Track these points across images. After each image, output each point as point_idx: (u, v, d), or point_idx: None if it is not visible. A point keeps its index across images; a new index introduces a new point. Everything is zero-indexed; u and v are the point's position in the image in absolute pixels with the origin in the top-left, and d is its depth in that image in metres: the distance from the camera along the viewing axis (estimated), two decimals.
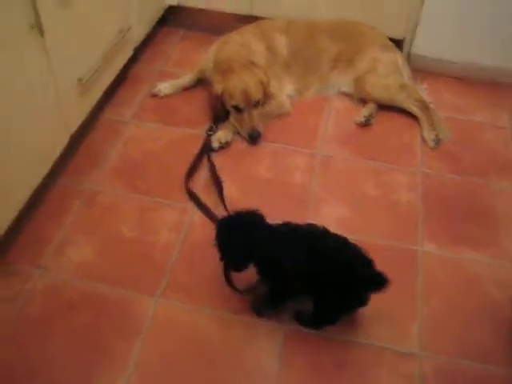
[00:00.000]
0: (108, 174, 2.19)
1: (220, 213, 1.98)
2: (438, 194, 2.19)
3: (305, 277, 1.63)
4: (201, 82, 2.58)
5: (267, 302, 1.79)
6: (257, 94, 2.27)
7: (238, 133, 2.35)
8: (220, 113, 2.37)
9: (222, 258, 1.68)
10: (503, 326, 1.79)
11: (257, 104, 2.29)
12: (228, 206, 1.99)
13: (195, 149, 2.28)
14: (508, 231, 2.08)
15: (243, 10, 2.73)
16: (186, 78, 2.55)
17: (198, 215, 2.06)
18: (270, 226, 1.68)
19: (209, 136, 2.31)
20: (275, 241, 1.63)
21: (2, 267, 1.87)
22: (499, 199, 2.18)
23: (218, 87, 2.29)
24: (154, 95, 2.52)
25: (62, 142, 2.09)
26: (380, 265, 1.77)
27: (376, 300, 1.80)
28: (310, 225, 1.70)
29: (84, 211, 2.06)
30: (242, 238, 1.61)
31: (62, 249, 1.93)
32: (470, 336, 1.77)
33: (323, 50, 2.50)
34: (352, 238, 1.97)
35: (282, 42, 2.47)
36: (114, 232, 2.00)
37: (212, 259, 1.72)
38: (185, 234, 2.00)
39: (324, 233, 1.68)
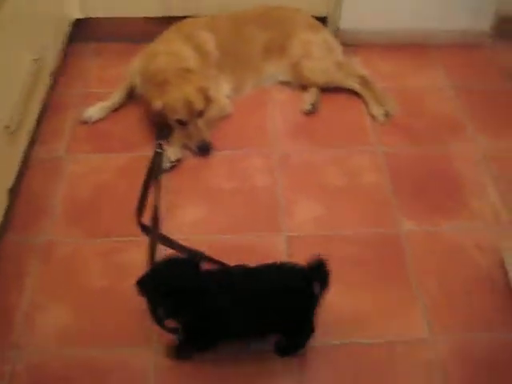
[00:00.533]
0: (59, 222, 1.98)
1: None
2: (400, 169, 2.17)
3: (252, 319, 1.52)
4: (130, 99, 2.40)
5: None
6: (200, 104, 2.12)
7: (186, 147, 2.21)
8: (163, 129, 2.21)
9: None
10: (498, 290, 1.81)
11: (201, 113, 2.15)
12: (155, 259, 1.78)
13: (144, 173, 2.12)
14: (474, 191, 2.11)
15: (156, 12, 2.55)
16: (115, 98, 2.34)
17: None
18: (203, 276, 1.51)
19: (159, 154, 2.14)
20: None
21: None
22: (459, 161, 2.20)
23: (156, 103, 2.11)
24: (85, 122, 2.31)
25: (2, 201, 1.87)
26: (366, 255, 1.81)
27: (373, 295, 1.79)
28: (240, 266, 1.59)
29: (44, 269, 1.85)
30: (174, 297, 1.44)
31: (32, 318, 1.72)
32: (472, 307, 1.77)
33: (252, 41, 2.39)
34: (332, 233, 1.96)
35: (209, 41, 2.32)
36: (83, 285, 1.81)
37: None
38: None
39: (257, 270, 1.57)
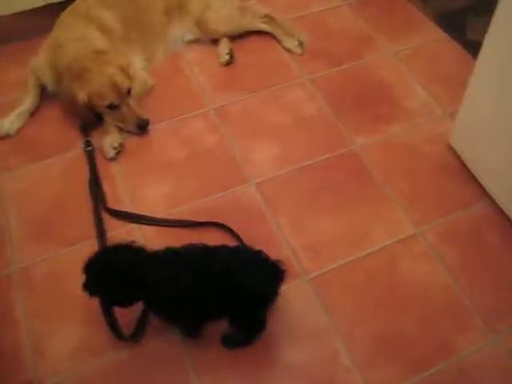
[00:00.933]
0: (23, 244, 1.86)
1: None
2: (332, 91, 2.25)
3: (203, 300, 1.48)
4: (42, 97, 2.24)
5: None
6: (126, 82, 2.04)
7: (122, 130, 2.12)
8: (90, 121, 2.11)
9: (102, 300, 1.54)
10: (456, 172, 1.99)
11: (129, 92, 2.07)
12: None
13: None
14: (403, 94, 2.24)
15: (38, 1, 2.36)
16: (28, 101, 2.17)
17: (148, 229, 1.88)
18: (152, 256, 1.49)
19: (90, 151, 2.06)
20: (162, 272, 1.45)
21: None
22: (379, 69, 2.33)
23: (81, 94, 2.00)
24: (6, 136, 2.13)
25: None
26: (334, 178, 1.92)
27: (354, 211, 1.90)
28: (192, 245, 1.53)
29: (30, 295, 1.74)
30: (124, 275, 1.42)
31: (40, 347, 1.63)
32: (442, 194, 1.94)
33: (150, 8, 2.30)
34: (294, 168, 2.02)
35: (109, 17, 2.20)
36: (77, 295, 1.68)
37: None
38: None
39: (207, 250, 1.52)
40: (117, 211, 1.92)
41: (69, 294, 1.73)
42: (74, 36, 2.09)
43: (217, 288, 1.44)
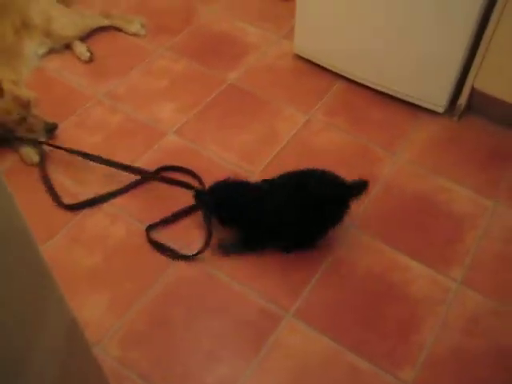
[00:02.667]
0: None
1: None
2: (189, 51, 2.65)
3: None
4: None
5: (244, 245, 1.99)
6: (25, 93, 2.18)
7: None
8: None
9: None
10: (310, 69, 2.57)
11: (30, 103, 2.19)
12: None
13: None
14: (242, 34, 2.73)
15: None
16: None
17: (117, 202, 2.09)
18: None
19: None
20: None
21: None
22: (215, 24, 2.78)
23: None
24: None
25: None
26: (228, 108, 2.41)
27: (260, 125, 2.37)
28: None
29: None
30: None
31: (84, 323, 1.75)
32: (309, 87, 2.50)
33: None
34: (194, 112, 2.40)
35: None
36: (84, 269, 1.89)
37: None
38: None
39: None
40: (74, 205, 2.07)
41: (74, 269, 1.90)
42: None
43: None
